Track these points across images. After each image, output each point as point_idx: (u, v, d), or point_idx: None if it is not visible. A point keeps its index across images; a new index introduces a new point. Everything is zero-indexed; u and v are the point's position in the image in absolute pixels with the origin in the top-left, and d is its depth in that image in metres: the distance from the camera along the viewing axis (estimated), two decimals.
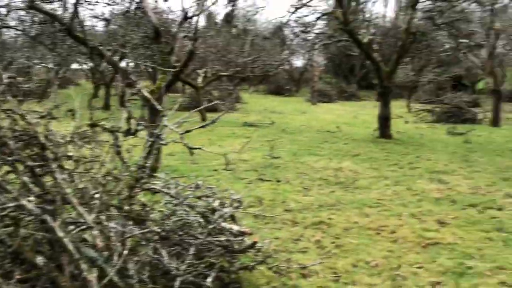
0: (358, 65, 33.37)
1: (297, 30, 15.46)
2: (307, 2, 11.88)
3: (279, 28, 29.22)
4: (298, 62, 38.32)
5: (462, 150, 10.81)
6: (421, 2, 11.14)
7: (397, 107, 21.00)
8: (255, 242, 3.43)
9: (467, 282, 3.83)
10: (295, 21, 13.60)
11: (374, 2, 42.84)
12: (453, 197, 6.52)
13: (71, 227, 2.92)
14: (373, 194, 6.70)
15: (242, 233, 3.43)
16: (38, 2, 8.09)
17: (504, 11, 18.87)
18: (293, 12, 12.26)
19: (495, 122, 16.53)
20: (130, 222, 3.23)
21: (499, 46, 19.32)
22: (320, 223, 5.32)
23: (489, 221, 5.45)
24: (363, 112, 20.95)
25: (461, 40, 15.42)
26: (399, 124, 15.67)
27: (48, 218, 2.77)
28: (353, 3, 24.26)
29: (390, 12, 50.47)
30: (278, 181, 7.34)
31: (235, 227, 3.46)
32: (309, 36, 16.43)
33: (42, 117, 3.34)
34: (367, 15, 21.55)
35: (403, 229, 5.14)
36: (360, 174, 7.99)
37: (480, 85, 29.81)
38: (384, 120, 12.60)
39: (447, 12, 11.93)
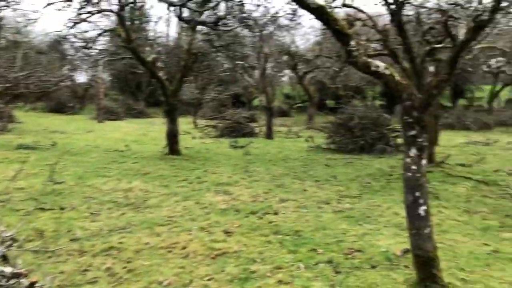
0: (145, 82, 33.42)
1: (78, 45, 14.62)
2: (87, 18, 11.35)
3: (57, 42, 27.16)
4: (82, 78, 36.26)
5: (243, 161, 11.83)
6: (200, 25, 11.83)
7: (185, 123, 21.74)
8: (33, 282, 3.07)
9: (251, 286, 4.18)
10: (75, 35, 12.85)
11: (156, 22, 43.61)
12: (237, 207, 7.05)
13: None
14: (164, 211, 6.75)
15: (17, 275, 3.02)
16: None
17: (271, 37, 21.53)
18: (71, 27, 11.55)
19: (269, 135, 18.63)
20: None
21: (269, 68, 21.95)
22: (111, 249, 5.10)
23: (268, 226, 6.07)
24: (152, 129, 21.04)
25: (237, 62, 16.92)
26: (187, 140, 16.26)
27: None
28: (136, 21, 24.24)
29: (173, 31, 52.02)
30: (62, 208, 6.74)
31: (8, 269, 3.03)
32: (92, 52, 15.73)
33: None
34: (151, 34, 21.78)
35: (194, 243, 5.31)
36: (151, 193, 7.96)
37: (255, 102, 33.22)
38: (172, 137, 12.89)
39: (224, 35, 12.95)
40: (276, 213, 6.72)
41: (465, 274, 4.44)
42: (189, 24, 10.72)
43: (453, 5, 3.99)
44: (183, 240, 5.42)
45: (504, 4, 4.87)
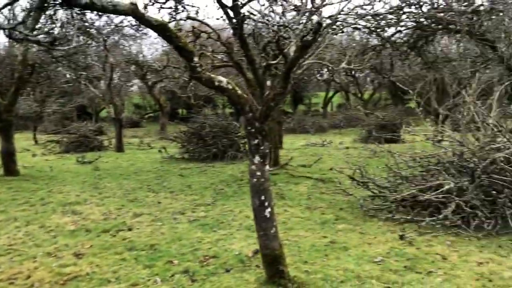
0: None
1: None
2: None
3: None
4: None
5: (92, 178, 11.26)
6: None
7: (23, 139, 19.87)
8: None
9: None
10: None
11: None
12: (87, 226, 6.72)
13: None
14: (3, 240, 6.12)
15: None
16: None
17: (116, 47, 20.84)
18: None
19: (119, 147, 17.99)
20: None
21: (116, 78, 21.22)
22: None
23: (122, 243, 5.92)
24: None
25: (80, 72, 16.02)
26: (26, 158, 14.87)
27: None
28: None
29: (3, 39, 46.87)
30: None
31: None
32: None
33: None
34: None
35: (40, 271, 4.93)
36: None
37: (103, 114, 31.76)
38: (8, 156, 11.67)
39: (65, 45, 12.15)
40: (130, 229, 6.58)
41: (308, 266, 4.94)
42: (22, 44, 9.88)
43: (282, 26, 4.44)
44: (27, 268, 5.00)
45: (328, 21, 5.57)
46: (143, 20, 3.66)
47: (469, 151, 6.86)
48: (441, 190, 6.52)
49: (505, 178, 6.37)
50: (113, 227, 6.65)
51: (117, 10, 3.32)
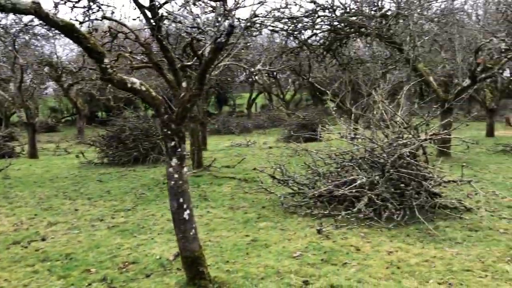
0: None
1: None
2: None
3: None
4: None
5: (2, 187, 10.51)
6: None
7: None
8: None
9: None
10: None
11: None
12: None
13: None
14: None
15: None
16: None
17: (27, 47, 19.58)
18: None
19: (33, 154, 16.92)
20: None
21: (27, 80, 19.93)
22: None
23: (34, 254, 5.59)
24: None
25: None
26: None
27: None
28: None
29: None
30: None
31: None
32: None
33: None
34: None
35: None
36: None
37: (14, 118, 29.71)
38: None
39: None
40: (44, 239, 6.24)
41: (229, 265, 4.99)
42: None
43: (196, 28, 4.44)
44: None
45: (243, 23, 5.64)
46: (48, 20, 3.49)
47: (379, 148, 7.29)
48: (354, 185, 6.87)
49: (411, 171, 6.86)
50: (24, 238, 6.27)
51: (16, 9, 3.13)
